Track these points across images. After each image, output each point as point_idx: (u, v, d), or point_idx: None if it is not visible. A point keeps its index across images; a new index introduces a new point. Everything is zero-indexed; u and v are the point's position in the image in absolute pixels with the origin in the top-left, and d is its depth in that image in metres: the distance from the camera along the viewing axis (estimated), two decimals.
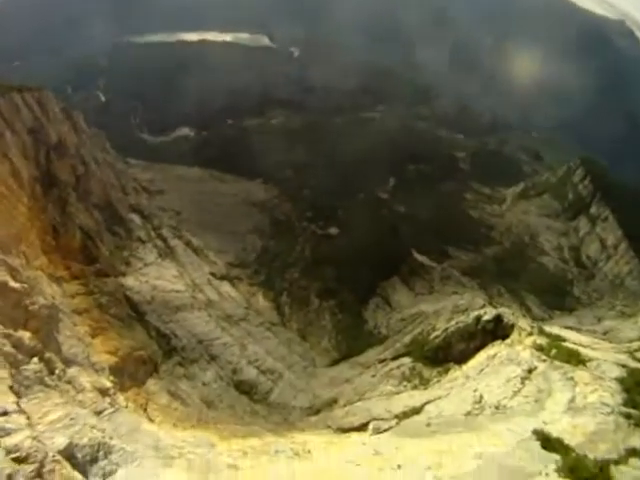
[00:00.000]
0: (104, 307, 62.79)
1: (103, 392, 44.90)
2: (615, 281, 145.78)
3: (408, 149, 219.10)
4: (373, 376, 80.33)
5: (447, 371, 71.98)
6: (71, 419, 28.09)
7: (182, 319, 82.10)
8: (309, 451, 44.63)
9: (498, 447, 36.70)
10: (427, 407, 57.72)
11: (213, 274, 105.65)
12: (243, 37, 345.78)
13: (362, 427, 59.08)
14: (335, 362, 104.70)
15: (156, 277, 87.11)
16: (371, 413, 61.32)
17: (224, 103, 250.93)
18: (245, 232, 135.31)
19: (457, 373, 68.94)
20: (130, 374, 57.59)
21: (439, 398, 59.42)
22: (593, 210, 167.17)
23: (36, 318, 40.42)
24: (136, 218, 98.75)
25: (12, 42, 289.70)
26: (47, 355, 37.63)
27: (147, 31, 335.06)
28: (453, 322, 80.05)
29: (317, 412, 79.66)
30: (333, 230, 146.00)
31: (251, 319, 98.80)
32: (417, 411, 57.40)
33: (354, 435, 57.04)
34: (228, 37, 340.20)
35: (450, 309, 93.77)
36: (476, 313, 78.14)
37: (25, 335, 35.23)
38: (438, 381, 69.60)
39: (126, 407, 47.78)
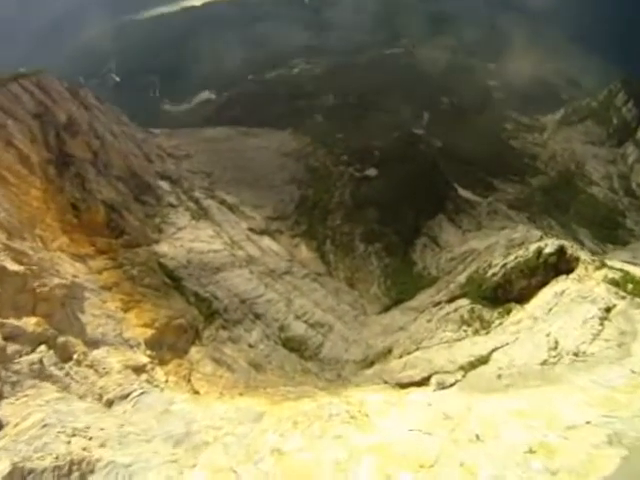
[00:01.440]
0: (136, 279, 59.30)
1: (138, 370, 41.79)
2: None
3: (439, 82, 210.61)
4: (429, 321, 73.74)
5: (509, 312, 65.02)
6: (44, 426, 22.59)
7: (222, 279, 77.01)
8: (367, 415, 38.74)
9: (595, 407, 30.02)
10: (495, 355, 51.25)
11: (252, 229, 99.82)
12: None
13: (423, 381, 53.30)
14: (386, 309, 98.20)
15: (191, 240, 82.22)
16: (432, 365, 55.21)
17: (241, 60, 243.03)
18: (281, 184, 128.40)
19: (521, 314, 61.87)
20: (170, 345, 54.81)
21: (507, 344, 52.71)
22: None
23: (47, 301, 36.27)
24: (164, 184, 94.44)
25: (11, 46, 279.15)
26: (61, 340, 33.25)
27: (148, 6, 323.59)
28: (511, 257, 72.52)
29: (371, 364, 74.20)
30: (371, 172, 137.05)
31: (295, 271, 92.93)
32: (484, 360, 51.08)
33: (415, 391, 51.13)
34: None
35: (504, 244, 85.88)
36: (536, 246, 70.53)
37: (29, 322, 30.74)
38: (500, 324, 62.76)
39: (166, 382, 44.91)
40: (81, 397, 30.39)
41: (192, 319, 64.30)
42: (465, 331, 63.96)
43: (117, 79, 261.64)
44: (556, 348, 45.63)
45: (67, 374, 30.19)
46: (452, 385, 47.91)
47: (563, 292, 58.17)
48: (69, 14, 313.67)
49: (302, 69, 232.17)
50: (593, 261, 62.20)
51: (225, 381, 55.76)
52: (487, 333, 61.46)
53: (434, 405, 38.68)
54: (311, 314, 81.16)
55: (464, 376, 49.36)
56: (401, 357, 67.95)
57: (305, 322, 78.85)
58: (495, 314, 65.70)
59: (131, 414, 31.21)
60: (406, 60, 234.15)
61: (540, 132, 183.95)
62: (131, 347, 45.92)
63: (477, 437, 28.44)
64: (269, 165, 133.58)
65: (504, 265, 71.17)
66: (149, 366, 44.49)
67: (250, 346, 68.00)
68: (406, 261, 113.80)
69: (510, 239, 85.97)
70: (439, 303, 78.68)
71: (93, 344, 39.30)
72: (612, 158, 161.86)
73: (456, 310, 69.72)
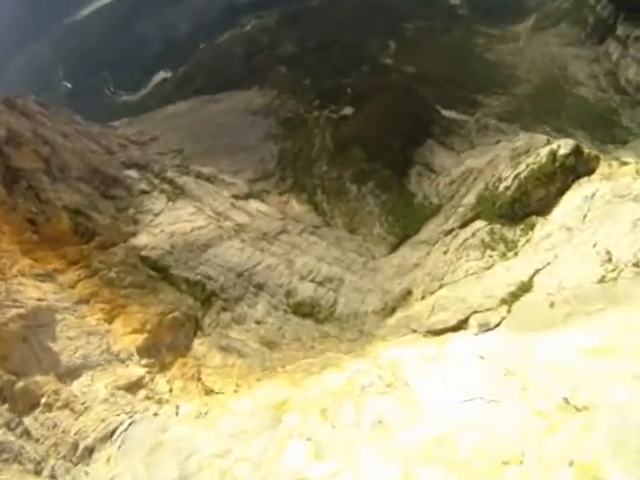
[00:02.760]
0: (116, 281, 53.85)
1: (133, 387, 38.07)
2: None
3: (399, 9, 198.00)
4: (445, 252, 65.36)
5: (532, 227, 56.99)
6: None
7: (213, 256, 69.13)
8: (406, 383, 31.15)
9: None
10: (538, 279, 43.37)
11: (235, 196, 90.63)
12: None
13: (460, 325, 45.74)
14: (394, 247, 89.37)
15: (171, 222, 74.24)
16: (467, 303, 46.99)
17: (188, 31, 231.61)
18: (256, 142, 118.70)
19: (549, 226, 53.75)
20: (169, 345, 50.94)
21: (548, 264, 44.65)
22: (620, 32, 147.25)
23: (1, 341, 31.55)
24: (132, 172, 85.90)
25: None
26: (20, 385, 29.22)
27: (83, 4, 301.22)
28: (522, 166, 63.91)
29: (392, 311, 66.17)
30: (347, 110, 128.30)
31: (290, 229, 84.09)
32: (527, 288, 43.18)
33: (453, 338, 43.56)
34: None
35: (507, 155, 76.84)
36: (548, 149, 62.01)
37: None
38: (528, 241, 54.71)
39: (170, 391, 41.26)
40: (40, 463, 22.83)
41: (187, 309, 58.04)
42: (491, 256, 55.74)
43: (69, 85, 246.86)
44: (610, 260, 38.23)
45: (23, 433, 24.05)
46: (498, 325, 40.02)
47: (594, 195, 50.53)
48: (4, 31, 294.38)
49: (254, 24, 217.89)
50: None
51: (238, 369, 50.76)
52: (516, 254, 53.58)
53: (486, 357, 30.93)
54: (317, 271, 72.72)
55: (509, 311, 41.51)
56: (424, 298, 59.98)
57: (312, 281, 70.58)
58: (518, 231, 57.73)
59: (116, 462, 23.65)
60: None
61: (514, 41, 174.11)
62: (122, 361, 42.13)
63: (566, 401, 20.37)
64: (240, 127, 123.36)
65: (516, 176, 62.76)
66: (147, 378, 41.02)
67: (258, 322, 60.65)
68: (404, 194, 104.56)
69: (513, 149, 76.84)
70: (451, 231, 70.40)
71: (71, 374, 35.51)
72: (595, 57, 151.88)
73: (474, 235, 61.43)
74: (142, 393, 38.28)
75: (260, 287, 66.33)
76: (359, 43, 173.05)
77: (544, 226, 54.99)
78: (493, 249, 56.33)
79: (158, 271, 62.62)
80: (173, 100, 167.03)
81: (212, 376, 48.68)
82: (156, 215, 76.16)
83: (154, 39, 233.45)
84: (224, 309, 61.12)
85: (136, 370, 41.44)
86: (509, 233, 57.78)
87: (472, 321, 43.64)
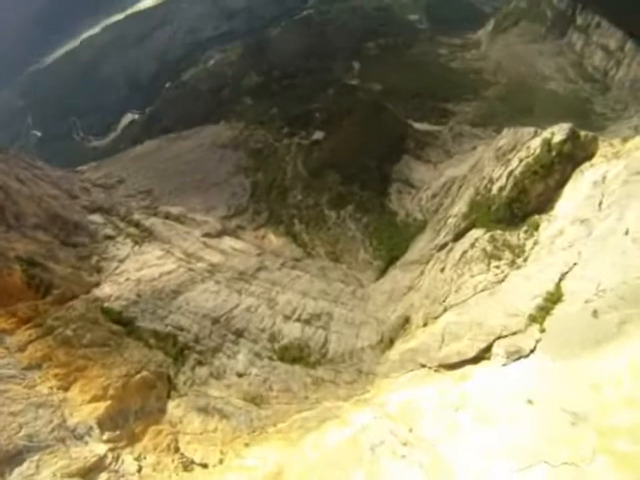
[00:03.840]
0: (74, 340, 46.12)
1: (91, 471, 31.60)
2: (635, 85, 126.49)
3: (359, 30, 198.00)
4: (442, 270, 57.56)
5: (536, 226, 49.98)
6: None
7: (184, 302, 61.56)
8: (428, 441, 23.81)
9: None
10: (567, 285, 35.74)
11: (207, 234, 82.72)
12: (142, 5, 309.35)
13: (482, 355, 37.86)
14: (383, 272, 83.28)
15: (138, 269, 66.90)
16: (486, 327, 38.99)
17: (153, 72, 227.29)
18: (227, 177, 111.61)
19: (558, 223, 46.56)
20: (138, 411, 43.29)
21: (575, 265, 37.07)
22: (580, 21, 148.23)
23: None
24: (96, 217, 77.94)
25: None
26: None
27: (49, 50, 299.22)
28: (515, 162, 56.97)
29: (391, 342, 58.75)
30: (318, 135, 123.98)
31: (269, 265, 76.05)
32: (557, 297, 35.42)
33: (476, 373, 35.70)
34: (121, 15, 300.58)
35: (492, 156, 70.04)
36: (540, 139, 55.35)
37: None
38: (535, 243, 47.47)
39: (138, 471, 34.34)
40: None
41: (158, 366, 50.23)
42: (498, 267, 48.10)
43: (38, 134, 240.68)
44: None
45: None
46: (533, 350, 32.36)
47: (604, 178, 43.86)
48: None
49: (217, 59, 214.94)
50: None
51: (222, 434, 43.54)
52: (526, 260, 46.11)
53: (534, 399, 23.21)
54: (302, 308, 64.86)
55: (543, 330, 33.85)
56: (426, 325, 52.06)
57: (298, 320, 62.75)
58: (521, 234, 50.66)
59: None
60: (320, 19, 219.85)
61: (477, 47, 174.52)
62: (80, 438, 35.05)
63: None
64: (209, 162, 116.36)
65: (510, 173, 55.89)
66: (110, 457, 34.15)
67: (240, 375, 53.07)
68: (386, 214, 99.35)
69: (497, 149, 70.17)
70: (445, 245, 62.98)
71: (11, 461, 29.44)
72: (559, 50, 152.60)
73: (473, 245, 53.93)
74: (103, 477, 31.19)
75: (240, 333, 58.32)
76: (323, 67, 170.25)
77: (551, 223, 47.99)
78: (499, 258, 48.81)
79: (123, 325, 54.88)
80: (142, 141, 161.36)
81: (192, 444, 41.15)
82: (121, 261, 68.67)
83: (120, 81, 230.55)
84: (200, 363, 53.04)
85: (96, 448, 33.97)
86: (512, 238, 50.54)
87: (497, 349, 35.95)
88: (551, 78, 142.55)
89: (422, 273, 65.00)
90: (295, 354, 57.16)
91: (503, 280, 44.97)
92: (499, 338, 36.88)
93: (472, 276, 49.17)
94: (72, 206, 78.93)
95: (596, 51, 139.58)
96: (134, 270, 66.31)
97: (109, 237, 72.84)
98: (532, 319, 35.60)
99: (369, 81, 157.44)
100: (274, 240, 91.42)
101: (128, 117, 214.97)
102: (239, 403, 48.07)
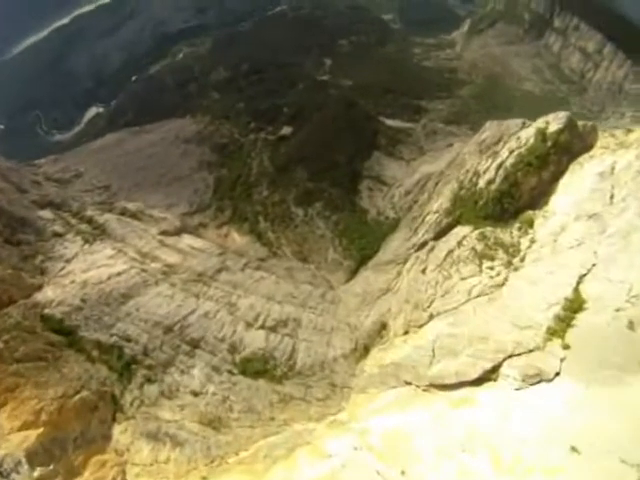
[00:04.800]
0: (6, 353, 40.11)
1: None
2: (612, 88, 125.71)
3: (332, 28, 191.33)
4: (424, 271, 50.62)
5: (530, 223, 43.96)
6: None
7: (134, 308, 54.31)
8: None
9: None
10: (588, 289, 29.55)
11: (165, 232, 74.61)
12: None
13: (487, 377, 31.13)
14: (354, 272, 76.98)
15: (85, 270, 59.70)
16: (493, 343, 32.45)
17: (120, 64, 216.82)
18: (190, 172, 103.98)
19: (557, 219, 40.51)
20: (77, 438, 37.04)
21: (594, 266, 30.71)
22: (558, 23, 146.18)
23: None
24: (46, 213, 70.61)
25: None
26: None
27: (15, 41, 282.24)
28: (504, 153, 50.63)
29: (366, 351, 52.01)
30: (286, 130, 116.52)
31: (231, 265, 68.36)
32: (578, 305, 29.41)
33: (480, 399, 29.00)
34: (92, 6, 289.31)
35: (474, 150, 63.95)
36: (534, 129, 49.22)
37: None
38: (532, 241, 41.22)
39: None
40: None
41: (101, 384, 43.75)
42: (492, 268, 41.67)
43: (1, 126, 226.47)
44: None
45: None
46: (558, 373, 25.85)
47: (613, 169, 37.72)
48: None
49: (186, 53, 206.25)
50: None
51: (175, 465, 37.55)
52: (522, 260, 39.78)
53: (580, 446, 16.56)
54: (266, 313, 57.45)
55: (566, 346, 27.28)
56: (407, 333, 45.18)
57: (262, 327, 55.29)
58: (515, 232, 44.45)
59: None
60: (292, 15, 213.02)
61: (451, 47, 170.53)
62: (6, 476, 30.48)
63: None
64: (171, 157, 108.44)
65: (500, 165, 49.54)
66: None
67: (195, 394, 45.78)
68: (356, 212, 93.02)
69: (479, 142, 64.25)
70: (424, 244, 56.30)
71: None
72: (536, 52, 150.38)
73: (460, 244, 47.31)
74: None
75: (196, 344, 50.65)
76: (294, 63, 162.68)
77: (548, 220, 42.04)
78: (492, 258, 42.41)
79: (64, 334, 47.77)
80: (105, 134, 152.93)
81: (141, 477, 35.47)
82: (68, 261, 61.08)
83: (86, 74, 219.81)
84: (149, 380, 45.62)
85: None
86: (504, 235, 44.32)
87: (508, 370, 29.33)
88: (527, 79, 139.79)
89: (399, 274, 58.29)
90: (259, 367, 49.72)
91: (503, 284, 38.41)
92: (510, 356, 30.16)
93: (462, 279, 42.48)
94: (20, 200, 70.97)
95: (574, 53, 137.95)
96: (80, 271, 58.65)
97: (57, 234, 65.91)
98: (551, 332, 29.23)
99: (340, 77, 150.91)
100: (237, 239, 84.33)
101: (93, 111, 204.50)
102: (194, 427, 40.95)
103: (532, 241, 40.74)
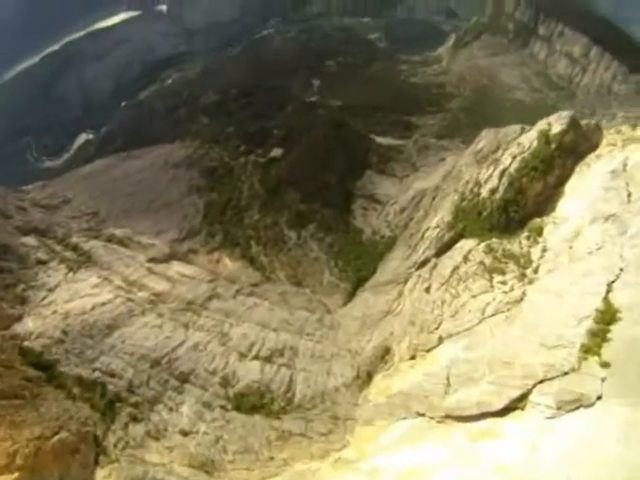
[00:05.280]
0: None
1: None
2: (601, 91, 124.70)
3: (319, 49, 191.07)
4: (428, 290, 46.96)
5: (539, 231, 40.89)
6: None
7: (119, 341, 50.78)
8: None
9: None
10: (617, 298, 26.19)
11: (153, 259, 71.05)
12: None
13: (513, 405, 27.32)
14: (351, 295, 73.30)
15: (67, 300, 56.21)
16: (518, 368, 28.67)
17: (110, 91, 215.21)
18: (179, 197, 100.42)
19: (571, 223, 37.31)
20: None
21: (621, 271, 27.39)
22: (542, 31, 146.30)
23: None
24: (29, 240, 67.83)
25: None
26: None
27: (7, 67, 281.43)
28: (506, 159, 47.43)
29: (369, 377, 47.97)
30: (276, 152, 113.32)
31: (223, 292, 64.48)
32: (610, 316, 26.49)
33: (506, 429, 25.53)
34: (81, 33, 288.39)
35: (471, 161, 61.14)
36: (537, 131, 46.07)
37: None
38: (544, 250, 37.91)
39: None
40: None
41: (82, 424, 39.34)
42: (504, 283, 38.13)
43: None
44: None
45: None
46: (600, 397, 22.34)
47: (625, 165, 35.76)
48: None
49: (175, 78, 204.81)
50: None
51: None
52: (536, 272, 36.36)
53: None
54: (261, 342, 53.42)
55: (606, 364, 23.68)
56: (414, 357, 41.32)
57: (256, 357, 51.24)
58: (523, 241, 41.19)
59: None
60: (280, 38, 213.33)
61: (438, 63, 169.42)
62: None
63: None
64: (160, 183, 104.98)
65: (503, 172, 46.42)
66: None
67: (185, 434, 41.85)
68: (350, 232, 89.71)
69: (476, 152, 61.29)
70: (425, 262, 52.76)
71: None
72: (521, 61, 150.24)
73: (466, 259, 43.82)
74: None
75: (185, 378, 46.72)
76: (282, 85, 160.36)
77: (558, 226, 38.86)
78: (503, 272, 38.91)
79: (42, 369, 44.81)
80: (95, 160, 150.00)
81: None
82: (50, 290, 58.47)
83: (75, 100, 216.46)
84: (134, 419, 41.79)
85: None
86: (513, 246, 41.01)
87: (539, 397, 25.61)
88: (516, 88, 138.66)
89: (400, 295, 54.53)
90: (254, 401, 45.69)
91: (521, 299, 34.76)
92: (539, 382, 26.51)
93: (473, 296, 38.82)
94: (3, 226, 69.48)
95: (560, 59, 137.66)
96: (63, 301, 55.85)
97: (41, 262, 63.50)
98: (585, 350, 25.72)
99: (329, 98, 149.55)
100: (229, 264, 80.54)
101: (82, 137, 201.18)
102: (184, 471, 37.10)
103: (544, 250, 37.43)
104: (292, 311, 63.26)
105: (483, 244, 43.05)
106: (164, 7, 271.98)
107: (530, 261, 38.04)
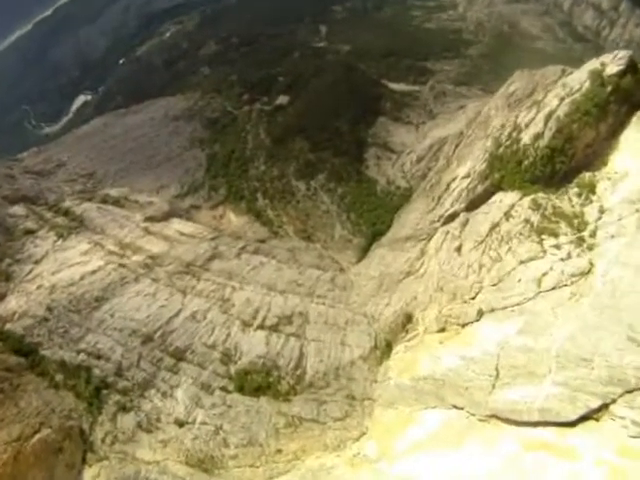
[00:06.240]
0: None
1: None
2: (629, 47, 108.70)
3: None
4: (458, 250, 39.30)
5: (592, 188, 32.68)
6: None
7: (109, 314, 44.63)
8: None
9: None
10: None
11: (151, 218, 64.10)
12: None
13: (593, 414, 20.37)
14: (365, 250, 65.93)
15: (55, 270, 51.34)
16: (599, 368, 21.37)
17: (106, 49, 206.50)
18: (180, 151, 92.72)
19: (633, 183, 29.32)
20: None
21: None
22: None
23: None
24: (18, 209, 63.06)
25: None
26: None
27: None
28: (553, 102, 38.79)
29: (388, 348, 41.02)
30: (282, 99, 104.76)
31: (225, 251, 57.21)
32: None
33: (579, 443, 18.74)
34: None
35: (502, 105, 52.40)
36: (589, 70, 37.50)
37: None
38: (601, 211, 30.07)
39: None
40: None
41: (65, 417, 34.74)
42: (557, 247, 30.25)
43: None
44: None
45: None
46: None
47: None
48: None
49: (173, 31, 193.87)
50: None
51: None
52: (593, 236, 28.75)
53: None
54: (266, 308, 46.40)
55: None
56: (444, 330, 34.23)
57: (261, 327, 44.21)
58: (574, 199, 33.02)
59: None
60: None
61: (454, 9, 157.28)
62: None
63: None
64: (160, 137, 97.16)
65: (549, 116, 37.68)
66: None
67: (181, 424, 35.60)
68: (363, 183, 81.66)
69: (508, 95, 52.72)
70: (453, 216, 44.74)
71: None
72: (544, 9, 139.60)
73: (508, 216, 35.78)
74: None
75: (181, 355, 40.06)
76: (287, 32, 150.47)
77: (616, 184, 30.89)
78: (555, 234, 31.05)
79: (24, 354, 39.61)
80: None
81: None
82: (37, 263, 53.04)
83: (72, 63, 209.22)
84: (123, 408, 35.82)
85: None
86: (563, 203, 33.20)
87: (625, 410, 18.56)
88: (538, 37, 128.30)
89: (423, 253, 46.86)
90: (260, 380, 38.84)
91: (588, 271, 26.92)
92: (632, 392, 19.52)
93: (521, 262, 31.01)
94: None
95: (587, 10, 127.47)
96: (50, 273, 50.73)
97: (29, 232, 58.84)
98: None
99: (337, 43, 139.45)
100: (234, 219, 73.59)
101: (81, 99, 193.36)
102: (180, 470, 31.07)
103: (601, 211, 29.71)
104: (301, 270, 55.91)
105: (527, 198, 35.00)
106: None
107: (585, 222, 30.29)
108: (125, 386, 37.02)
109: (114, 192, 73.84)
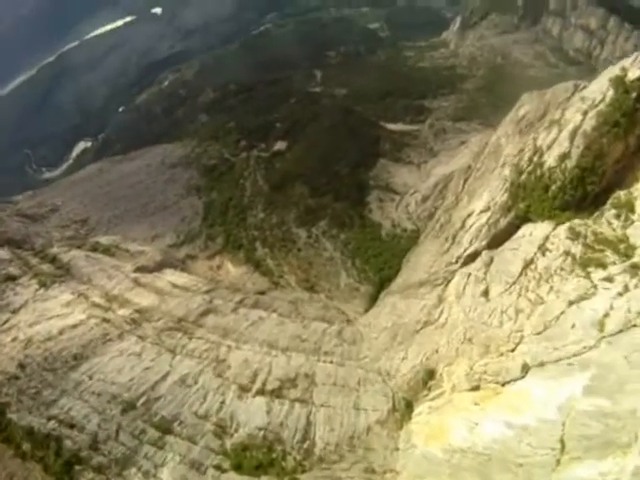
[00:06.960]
0: None
1: None
2: None
3: (319, 41, 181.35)
4: (486, 294, 33.46)
5: (630, 207, 28.08)
6: None
7: (87, 374, 39.48)
8: None
9: None
10: None
11: (142, 268, 59.02)
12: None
13: None
14: (374, 299, 60.86)
15: (33, 322, 46.50)
16: None
17: (106, 97, 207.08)
18: (176, 199, 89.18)
19: None
20: None
21: None
22: (554, 5, 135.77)
23: None
24: (2, 252, 59.40)
25: None
26: None
27: (5, 82, 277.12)
28: (576, 116, 34.08)
29: (409, 408, 35.29)
30: (280, 145, 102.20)
31: (221, 304, 51.68)
32: None
33: None
34: (76, 42, 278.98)
35: (512, 131, 48.06)
36: (609, 78, 33.28)
37: None
38: None
39: None
40: None
41: None
42: (609, 280, 24.62)
43: None
44: None
45: None
46: None
47: None
48: None
49: (172, 79, 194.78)
50: None
51: None
52: None
53: None
54: (267, 369, 40.51)
55: None
56: (478, 388, 28.40)
57: (262, 392, 38.21)
58: (613, 221, 28.25)
59: None
60: (278, 32, 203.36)
61: (445, 46, 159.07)
62: None
63: None
64: (155, 184, 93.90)
65: (575, 132, 33.09)
66: None
67: None
68: (367, 227, 77.55)
69: (517, 120, 48.59)
70: (474, 257, 39.41)
71: None
72: (534, 37, 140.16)
73: (544, 249, 30.46)
74: None
75: (167, 426, 34.19)
76: (283, 78, 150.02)
77: None
78: (602, 265, 25.83)
79: None
80: None
81: None
82: (14, 312, 48.68)
83: (73, 109, 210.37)
84: None
85: None
86: (602, 228, 28.21)
87: None
88: (531, 65, 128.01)
89: (442, 300, 41.28)
90: (261, 457, 32.71)
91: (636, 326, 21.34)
92: None
93: (571, 302, 25.18)
94: None
95: (576, 33, 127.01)
96: (26, 325, 46.25)
97: (10, 278, 54.74)
98: None
99: (333, 87, 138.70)
100: (232, 269, 69.30)
101: (81, 145, 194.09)
102: None
103: None
104: (305, 323, 50.25)
105: (563, 227, 29.97)
106: (158, 10, 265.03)
107: (632, 247, 25.32)
108: (100, 462, 31.23)
109: (105, 240, 69.86)
